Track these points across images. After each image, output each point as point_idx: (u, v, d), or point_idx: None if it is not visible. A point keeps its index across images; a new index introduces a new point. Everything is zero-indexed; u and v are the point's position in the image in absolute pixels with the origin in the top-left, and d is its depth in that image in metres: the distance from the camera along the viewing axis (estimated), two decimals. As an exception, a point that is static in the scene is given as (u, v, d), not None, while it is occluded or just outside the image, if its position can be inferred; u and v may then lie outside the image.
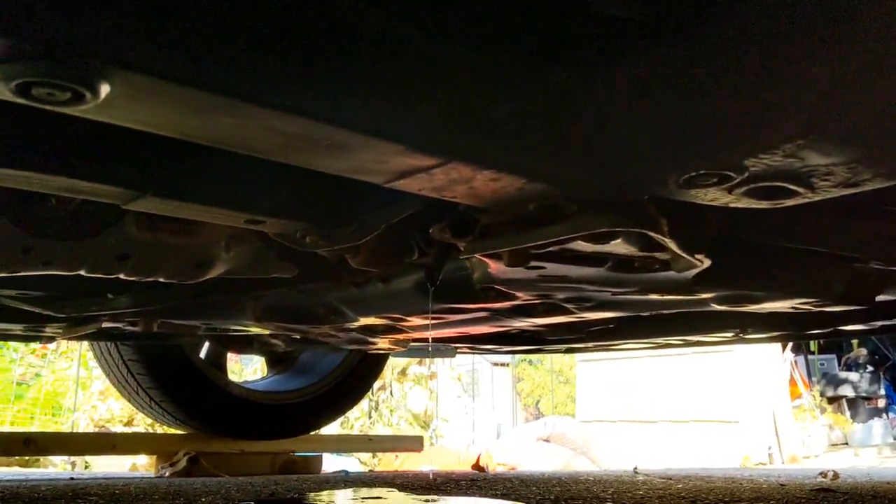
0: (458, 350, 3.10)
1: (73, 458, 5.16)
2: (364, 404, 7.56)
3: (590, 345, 2.88)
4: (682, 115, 0.88)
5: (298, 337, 2.49)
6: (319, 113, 0.76)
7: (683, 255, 1.23)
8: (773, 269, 1.55)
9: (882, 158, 0.92)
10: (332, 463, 4.16)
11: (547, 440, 7.51)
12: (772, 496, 1.84)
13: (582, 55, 0.82)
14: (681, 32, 0.84)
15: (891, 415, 10.63)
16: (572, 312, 1.89)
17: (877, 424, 10.34)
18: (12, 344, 7.02)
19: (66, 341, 2.95)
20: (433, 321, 2.06)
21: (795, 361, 10.29)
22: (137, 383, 3.09)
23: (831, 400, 10.72)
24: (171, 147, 1.11)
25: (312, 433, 3.60)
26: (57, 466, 5.15)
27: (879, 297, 1.72)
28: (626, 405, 8.35)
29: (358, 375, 3.65)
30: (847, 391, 10.69)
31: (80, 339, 2.58)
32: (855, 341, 10.56)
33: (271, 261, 1.67)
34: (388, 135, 0.80)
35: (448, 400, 8.95)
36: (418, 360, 7.83)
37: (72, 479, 2.83)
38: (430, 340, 2.59)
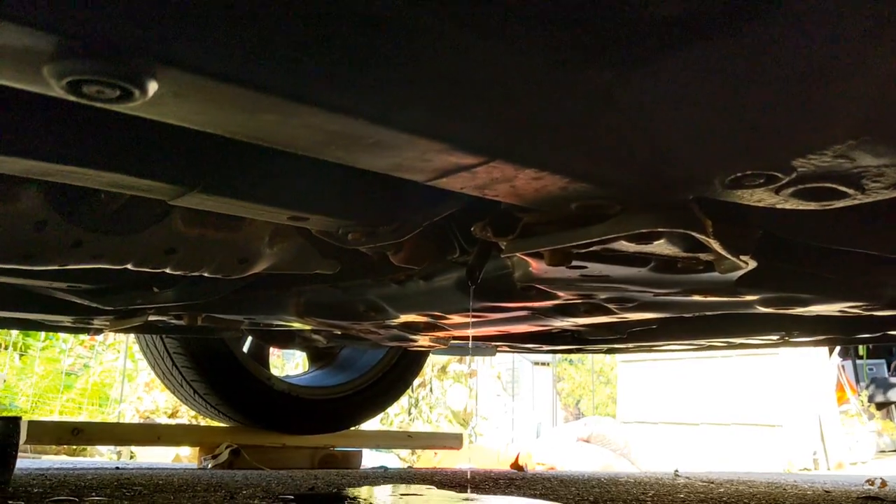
0: (499, 349, 3.10)
1: (118, 449, 5.26)
2: (404, 401, 7.59)
3: (631, 345, 2.85)
4: (727, 114, 0.87)
5: (339, 333, 2.51)
6: (363, 112, 0.76)
7: (728, 256, 1.21)
8: (820, 271, 1.52)
9: (936, 159, 0.90)
10: (371, 459, 4.19)
11: (587, 441, 7.46)
12: (816, 503, 1.81)
13: (625, 54, 0.81)
14: (726, 29, 0.83)
15: (942, 422, 10.36)
16: (614, 313, 1.87)
17: (927, 431, 10.10)
18: (62, 335, 7.19)
19: (113, 334, 3.00)
20: (474, 319, 2.06)
21: (843, 366, 10.09)
22: (182, 376, 3.14)
23: (880, 405, 10.50)
24: (217, 144, 1.13)
25: (352, 429, 3.63)
26: (103, 456, 5.26)
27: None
28: (668, 407, 8.26)
29: (398, 372, 3.67)
30: (896, 397, 10.45)
31: (126, 331, 2.63)
32: (905, 346, 10.32)
33: (314, 257, 1.68)
34: (431, 133, 0.80)
35: (488, 398, 8.94)
36: (458, 357, 7.83)
37: (117, 468, 2.88)
38: (471, 339, 2.59)
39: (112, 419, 6.99)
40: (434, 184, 0.94)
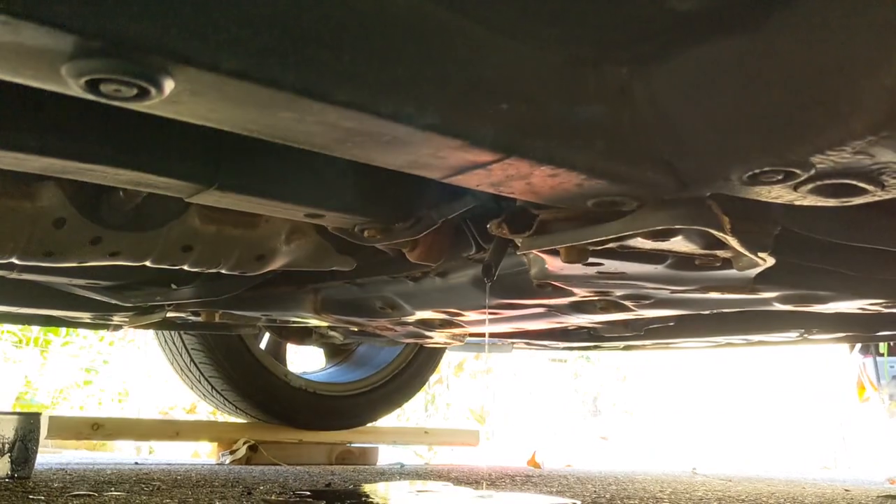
0: (515, 346, 3.10)
1: (138, 444, 5.30)
2: (421, 397, 7.60)
3: (648, 342, 2.84)
4: (745, 109, 0.87)
5: (356, 330, 2.52)
6: (379, 109, 0.76)
7: (746, 253, 1.20)
8: (839, 267, 1.50)
9: (957, 155, 0.89)
10: (388, 454, 4.20)
11: (604, 437, 7.45)
12: (836, 501, 1.80)
13: (641, 49, 0.81)
14: (745, 24, 0.82)
15: (964, 420, 10.27)
16: (630, 310, 1.86)
17: (949, 430, 10.01)
18: (81, 331, 7.25)
19: (133, 330, 3.04)
20: (490, 316, 2.06)
21: (864, 363, 10.01)
22: (200, 372, 3.16)
23: (900, 404, 10.41)
24: (234, 142, 1.14)
25: (369, 425, 3.64)
26: (122, 451, 5.30)
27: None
28: (686, 404, 8.22)
29: (415, 369, 3.67)
30: (917, 395, 10.36)
31: (145, 328, 2.65)
32: (927, 343, 10.23)
33: (330, 254, 1.69)
34: (447, 130, 0.80)
35: (505, 395, 8.94)
36: (475, 354, 7.83)
37: (136, 463, 2.91)
38: (487, 336, 2.59)
39: (132, 415, 7.05)
40: (449, 181, 0.94)
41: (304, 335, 2.85)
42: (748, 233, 1.16)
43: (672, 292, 1.66)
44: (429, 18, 0.79)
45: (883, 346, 10.28)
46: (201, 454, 4.30)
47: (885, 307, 1.70)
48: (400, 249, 1.52)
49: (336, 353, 3.71)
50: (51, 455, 3.48)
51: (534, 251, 1.30)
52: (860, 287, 1.56)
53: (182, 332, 3.06)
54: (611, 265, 1.40)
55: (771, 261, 1.30)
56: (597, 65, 0.88)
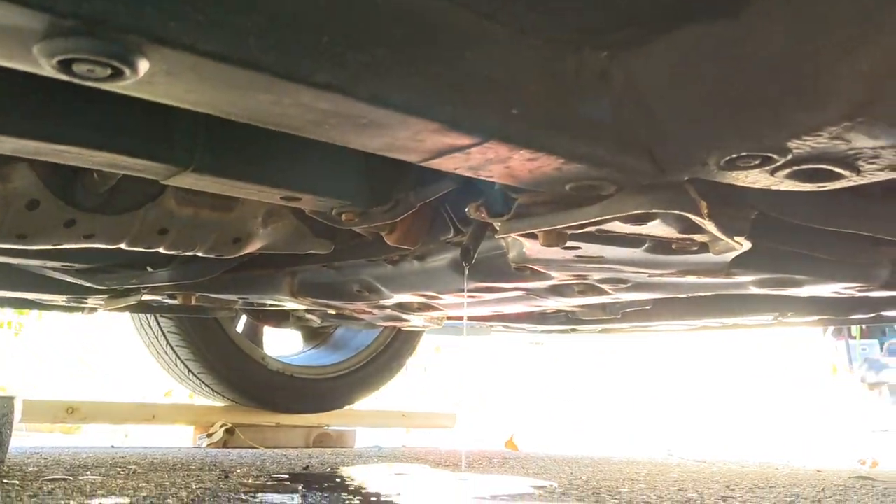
0: (493, 329, 3.10)
1: (114, 427, 5.27)
2: (399, 380, 7.61)
3: (625, 325, 2.85)
4: (723, 95, 0.87)
5: (333, 313, 2.51)
6: (356, 91, 0.75)
7: (723, 237, 1.21)
8: (815, 252, 1.52)
9: (932, 142, 0.90)
10: (366, 436, 4.20)
11: (582, 421, 7.51)
12: (808, 483, 1.82)
13: (620, 35, 0.80)
14: (724, 10, 0.82)
15: (933, 401, 10.46)
16: (608, 293, 1.87)
17: (918, 411, 10.19)
18: (56, 314, 7.17)
19: (108, 313, 3.02)
20: (468, 300, 2.06)
21: (836, 346, 10.17)
22: (176, 355, 3.15)
23: (872, 386, 10.59)
24: (211, 124, 1.12)
25: (347, 408, 3.64)
26: (98, 435, 5.26)
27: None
28: (663, 386, 8.31)
29: (392, 352, 3.68)
30: (889, 377, 10.54)
31: (121, 310, 2.63)
32: (897, 327, 10.40)
33: (307, 237, 1.68)
34: (425, 114, 0.80)
35: (483, 377, 8.98)
36: (454, 337, 7.86)
37: (113, 447, 2.89)
38: (465, 319, 2.59)
39: (107, 399, 7.01)
40: (427, 164, 0.94)
41: (280, 318, 2.84)
42: (725, 217, 1.17)
43: (649, 276, 1.67)
44: (409, 1, 0.78)
45: (855, 330, 10.43)
46: (179, 438, 4.28)
47: (859, 291, 1.72)
48: (378, 233, 1.52)
49: (313, 336, 3.70)
50: (25, 439, 3.46)
51: (512, 235, 1.30)
52: (835, 271, 1.58)
53: (158, 315, 3.04)
54: (589, 249, 1.41)
55: (747, 245, 1.31)
56: (577, 50, 0.88)
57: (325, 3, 0.73)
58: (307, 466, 1.88)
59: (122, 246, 1.53)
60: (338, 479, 1.63)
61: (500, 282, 1.84)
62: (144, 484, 1.39)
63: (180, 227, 1.52)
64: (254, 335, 3.46)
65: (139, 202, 1.46)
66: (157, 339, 3.15)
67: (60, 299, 2.40)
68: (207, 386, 3.23)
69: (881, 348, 11.17)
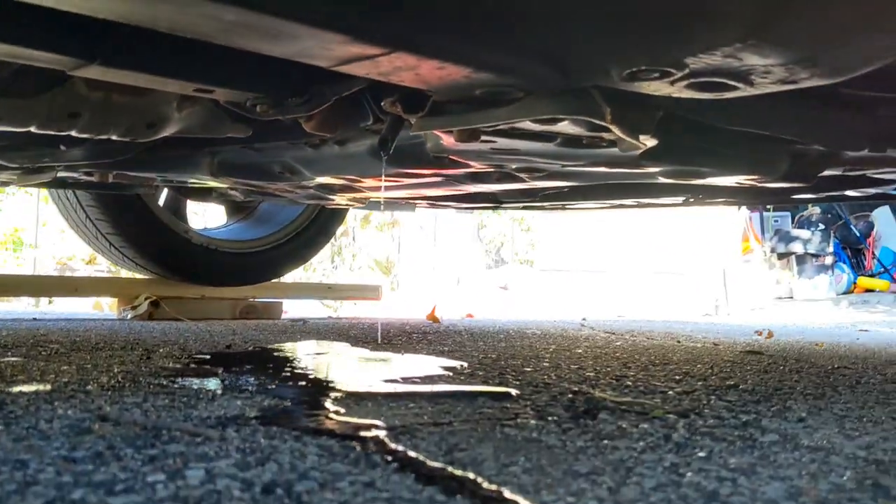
0: (417, 205, 3.15)
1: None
2: (327, 250, 7.67)
3: (546, 204, 2.94)
4: (625, 11, 0.89)
5: (256, 190, 2.51)
6: (260, 4, 0.75)
7: (627, 139, 1.25)
8: (717, 147, 1.58)
9: (818, 60, 0.94)
10: (294, 306, 4.28)
11: (505, 288, 7.75)
12: (702, 358, 1.97)
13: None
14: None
15: (836, 272, 11.08)
16: (525, 181, 1.92)
17: (822, 280, 10.80)
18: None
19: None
20: (389, 183, 2.09)
21: (750, 218, 10.57)
22: (97, 229, 3.11)
23: (781, 256, 11.12)
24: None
25: (274, 280, 3.68)
26: (21, 302, 5.22)
27: (823, 174, 1.78)
28: (583, 255, 8.57)
29: (320, 224, 3.69)
30: (797, 248, 11.07)
31: (36, 186, 2.57)
32: (809, 200, 10.79)
33: (224, 121, 1.66)
34: (331, 26, 0.80)
35: (410, 247, 9.11)
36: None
37: (35, 319, 2.89)
38: (386, 201, 2.63)
39: (28, 265, 6.89)
40: (337, 70, 0.95)
41: (203, 193, 2.82)
42: (630, 119, 1.21)
43: (563, 166, 1.72)
44: None
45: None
46: (103, 306, 4.29)
47: (759, 182, 1.81)
48: (296, 119, 1.52)
49: (238, 209, 3.69)
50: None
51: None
52: (737, 164, 1.65)
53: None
54: (503, 143, 1.44)
55: (653, 142, 1.36)
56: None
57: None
58: (230, 345, 1.93)
59: (33, 129, 1.50)
60: (258, 360, 1.69)
61: (419, 168, 1.86)
62: (66, 367, 1.42)
63: (92, 111, 1.49)
64: (176, 208, 3.43)
65: (47, 86, 1.42)
66: (75, 212, 3.10)
67: (-30, 174, 2.34)
68: (130, 259, 3.22)
69: (792, 220, 11.68)
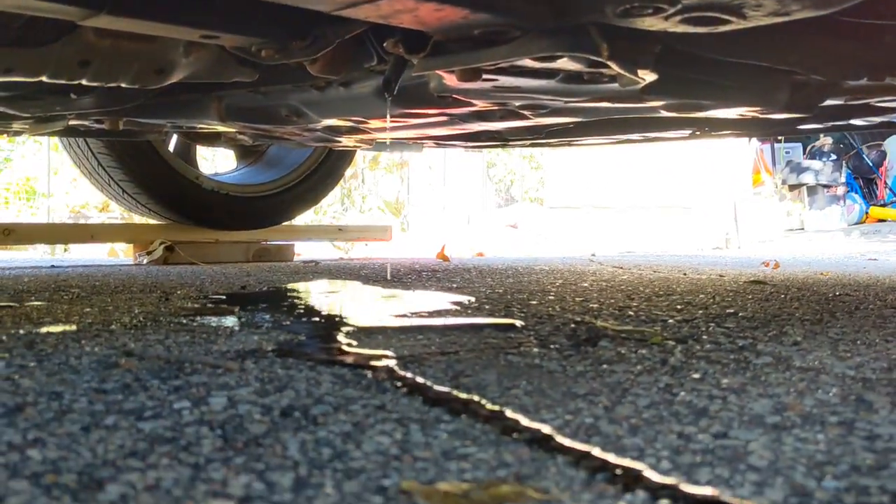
0: (425, 145, 3.17)
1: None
2: (337, 191, 7.70)
3: (552, 141, 2.95)
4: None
5: (264, 134, 2.54)
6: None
7: (626, 74, 1.28)
8: (718, 80, 1.60)
9: (809, -8, 0.96)
10: (306, 248, 4.34)
11: (514, 226, 7.78)
12: (705, 289, 2.01)
13: None
14: None
15: (848, 202, 11.05)
16: (529, 118, 1.95)
17: (833, 211, 10.79)
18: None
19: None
20: (395, 124, 2.11)
21: (761, 149, 10.51)
22: (109, 175, 3.15)
23: (792, 187, 11.08)
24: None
25: (285, 223, 3.73)
26: (37, 250, 5.31)
27: (826, 103, 1.80)
28: (593, 192, 8.56)
29: (329, 166, 3.72)
30: (809, 179, 11.03)
31: (48, 135, 2.61)
32: (820, 131, 10.70)
33: (231, 66, 1.68)
34: (330, -29, 0.83)
35: (420, 187, 9.13)
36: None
37: (53, 266, 2.96)
38: (393, 141, 2.65)
39: (42, 214, 6.97)
40: (339, 14, 0.97)
41: (212, 137, 2.85)
42: (628, 54, 1.23)
43: (566, 102, 1.74)
44: None
45: (779, 135, 10.71)
46: (118, 252, 4.36)
47: (761, 114, 1.82)
48: (301, 62, 1.54)
49: (247, 153, 3.72)
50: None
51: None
52: (736, 96, 1.67)
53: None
54: (506, 81, 1.47)
55: (652, 76, 1.39)
56: None
57: None
58: (244, 286, 1.99)
59: (44, 78, 1.53)
60: (272, 299, 1.74)
61: (423, 108, 1.89)
62: (89, 309, 1.48)
63: (101, 58, 1.52)
64: (187, 154, 3.47)
65: (57, 35, 1.45)
66: (87, 159, 3.14)
67: (-17, 125, 2.37)
68: (143, 205, 3.27)
69: (804, 151, 11.60)
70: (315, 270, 2.68)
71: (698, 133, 2.63)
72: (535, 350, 1.10)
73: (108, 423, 0.71)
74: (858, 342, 1.23)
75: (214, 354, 1.03)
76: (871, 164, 11.46)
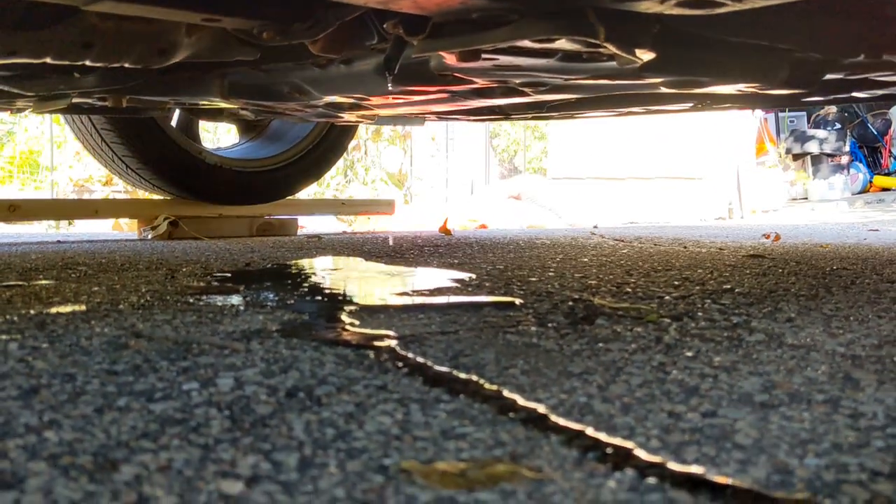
0: (427, 119, 3.18)
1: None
2: (339, 163, 7.70)
3: (554, 115, 2.96)
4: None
5: (266, 110, 2.55)
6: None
7: (623, 55, 1.29)
8: (716, 58, 1.61)
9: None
10: (310, 221, 4.37)
11: (517, 198, 7.78)
12: (703, 264, 2.03)
13: None
14: None
15: (852, 171, 11.03)
16: (529, 95, 1.96)
17: (837, 180, 10.77)
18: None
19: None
20: (397, 100, 2.13)
21: (765, 118, 10.48)
22: (112, 151, 3.17)
23: (797, 157, 11.06)
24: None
25: (288, 197, 3.75)
26: (41, 224, 5.34)
27: (826, 77, 1.81)
28: (596, 163, 8.55)
29: (331, 140, 3.73)
30: (813, 148, 11.00)
31: (52, 112, 2.62)
32: (825, 100, 10.64)
33: (233, 45, 1.70)
34: (329, -39, 0.84)
35: (423, 159, 9.12)
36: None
37: (59, 242, 2.99)
38: (394, 116, 2.66)
39: (45, 188, 6.99)
40: None
41: (215, 113, 2.86)
42: (625, 35, 1.24)
43: (566, 80, 1.75)
44: None
45: (784, 104, 10.64)
46: (122, 226, 4.39)
47: (760, 90, 1.83)
48: (303, 42, 1.55)
49: (249, 128, 3.73)
50: (-30, 235, 3.52)
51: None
52: (735, 73, 1.68)
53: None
54: (505, 60, 1.48)
55: (651, 55, 1.40)
56: None
57: None
58: (249, 263, 2.02)
59: (48, 60, 1.54)
60: (276, 277, 1.77)
61: (424, 85, 1.90)
62: (97, 288, 1.51)
63: (104, 40, 1.53)
64: (189, 129, 3.48)
65: (60, 17, 1.46)
66: (91, 136, 3.16)
67: (-13, 103, 2.39)
68: (147, 181, 3.29)
69: (808, 120, 11.56)
70: (318, 246, 2.71)
71: (700, 106, 2.64)
72: (534, 329, 1.13)
73: (121, 405, 0.74)
74: (851, 318, 1.26)
75: (221, 335, 1.06)
76: (875, 132, 11.42)
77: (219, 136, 7.57)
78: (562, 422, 0.71)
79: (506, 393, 0.80)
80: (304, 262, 2.10)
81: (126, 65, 1.63)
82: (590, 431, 0.69)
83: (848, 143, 11.12)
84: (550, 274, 1.77)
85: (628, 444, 0.66)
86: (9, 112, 2.95)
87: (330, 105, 2.30)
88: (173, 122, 3.35)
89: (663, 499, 0.55)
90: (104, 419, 0.70)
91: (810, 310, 1.34)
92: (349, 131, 3.88)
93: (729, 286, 1.62)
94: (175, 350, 0.97)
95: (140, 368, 0.88)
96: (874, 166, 11.46)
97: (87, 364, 0.89)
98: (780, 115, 11.51)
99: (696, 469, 0.61)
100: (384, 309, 1.31)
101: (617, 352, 0.99)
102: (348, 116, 2.56)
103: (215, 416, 0.71)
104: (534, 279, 1.68)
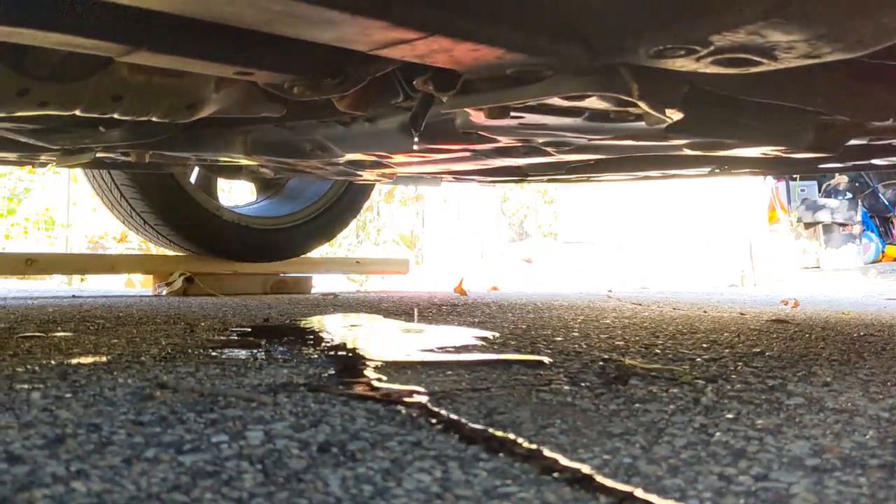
0: (443, 179, 3.19)
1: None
2: (352, 224, 7.73)
3: (571, 177, 2.97)
4: (650, -9, 0.92)
5: (287, 167, 2.56)
6: (307, -6, 0.80)
7: (654, 113, 1.29)
8: (743, 119, 1.61)
9: (841, 35, 0.97)
10: (322, 280, 4.35)
11: (528, 261, 7.78)
12: (728, 327, 2.00)
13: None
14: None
15: (864, 240, 11.00)
16: (552, 155, 1.96)
17: (849, 250, 10.74)
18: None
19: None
20: (418, 159, 2.13)
21: (777, 187, 10.51)
22: (131, 207, 3.18)
23: (808, 225, 11.05)
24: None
25: (302, 256, 3.75)
26: (53, 279, 5.34)
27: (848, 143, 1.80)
28: (607, 227, 8.57)
29: (346, 201, 3.75)
30: (824, 217, 11.00)
31: (74, 166, 2.64)
32: (836, 169, 10.68)
33: (260, 101, 1.71)
34: (372, 13, 0.85)
35: (434, 220, 9.15)
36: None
37: (74, 297, 2.98)
38: (415, 178, 2.67)
39: (60, 245, 7.03)
40: (375, 53, 0.99)
41: (234, 170, 2.88)
42: (656, 95, 1.24)
43: (590, 140, 1.76)
44: None
45: (795, 172, 10.70)
46: (134, 282, 4.38)
47: (784, 153, 1.83)
48: (329, 98, 1.56)
49: (267, 186, 3.75)
50: (-15, 289, 3.52)
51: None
52: (760, 136, 1.68)
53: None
54: (532, 118, 1.48)
55: (679, 115, 1.40)
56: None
57: None
58: (267, 318, 2.00)
59: (77, 112, 1.55)
60: (296, 332, 1.75)
61: (448, 143, 1.91)
62: (116, 340, 1.49)
63: (134, 93, 1.54)
64: (207, 186, 3.50)
65: (92, 70, 1.48)
66: (110, 191, 3.18)
67: (11, 157, 2.41)
68: (164, 237, 3.30)
69: (819, 189, 11.59)
70: (335, 303, 2.69)
71: (718, 171, 2.64)
72: (566, 388, 1.10)
73: (149, 456, 0.72)
74: (888, 383, 1.23)
75: (246, 388, 1.04)
76: (887, 202, 11.42)
77: (234, 194, 7.62)
78: (609, 483, 0.68)
79: (546, 452, 0.77)
80: (324, 319, 2.08)
81: (153, 119, 1.64)
82: (639, 493, 0.66)
83: (859, 213, 11.12)
84: (575, 334, 1.74)
85: (682, 507, 0.63)
86: (31, 167, 2.98)
87: (351, 163, 2.30)
88: (192, 179, 3.37)
89: (728, 564, 0.52)
90: (133, 470, 0.67)
91: (845, 374, 1.30)
92: (365, 191, 3.90)
93: (759, 349, 1.58)
94: (201, 402, 0.94)
95: (167, 420, 0.85)
96: (886, 236, 11.42)
97: (113, 414, 0.87)
98: (791, 183, 11.54)
99: (757, 534, 0.57)
100: (410, 365, 1.29)
101: (655, 412, 0.96)
102: (368, 174, 2.56)
103: (247, 470, 0.69)
104: (559, 339, 1.65)
